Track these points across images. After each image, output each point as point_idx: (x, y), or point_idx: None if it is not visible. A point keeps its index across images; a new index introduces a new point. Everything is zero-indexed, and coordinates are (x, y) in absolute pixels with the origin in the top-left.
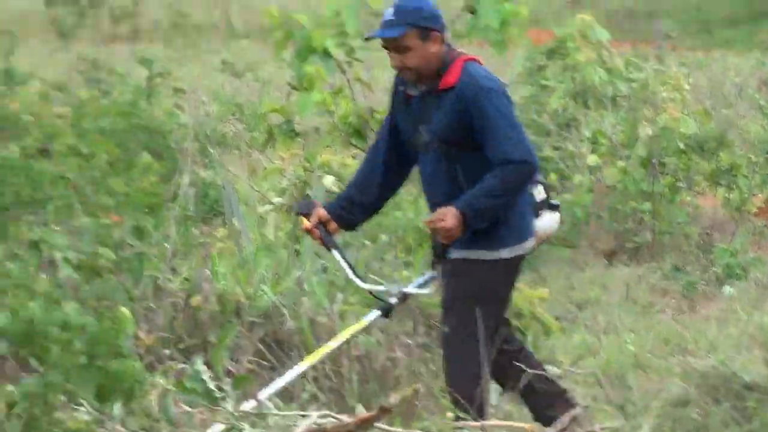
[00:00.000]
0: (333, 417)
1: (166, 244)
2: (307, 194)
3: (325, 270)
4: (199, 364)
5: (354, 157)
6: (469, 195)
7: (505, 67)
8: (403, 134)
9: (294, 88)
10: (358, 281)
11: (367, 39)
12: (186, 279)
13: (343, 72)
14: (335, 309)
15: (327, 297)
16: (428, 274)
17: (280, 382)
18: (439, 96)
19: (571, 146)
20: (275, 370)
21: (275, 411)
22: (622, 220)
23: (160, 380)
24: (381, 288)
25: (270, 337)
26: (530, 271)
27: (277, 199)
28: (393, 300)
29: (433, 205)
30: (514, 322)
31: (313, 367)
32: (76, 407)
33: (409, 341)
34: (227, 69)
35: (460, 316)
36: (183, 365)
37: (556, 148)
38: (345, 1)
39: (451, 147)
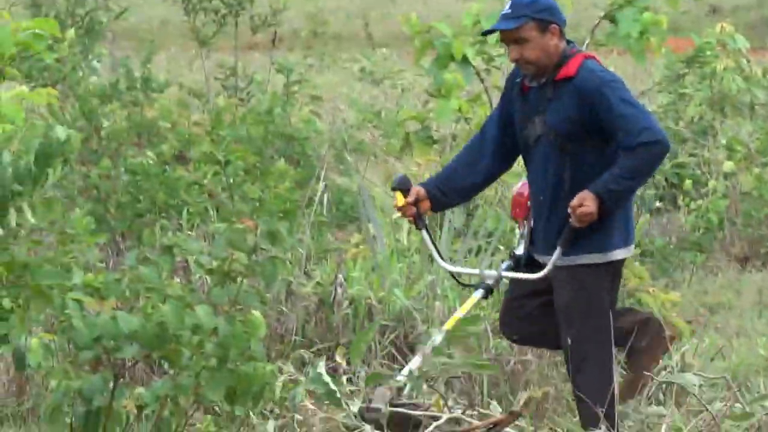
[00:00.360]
0: (464, 419)
1: (300, 249)
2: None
3: (458, 274)
4: (321, 367)
5: None
6: (605, 178)
7: (644, 76)
8: (516, 126)
9: (432, 95)
10: (443, 263)
11: (485, 33)
12: (319, 283)
13: (481, 80)
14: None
15: (459, 301)
16: (510, 260)
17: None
18: (557, 87)
19: (707, 153)
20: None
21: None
22: (757, 226)
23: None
24: (472, 271)
25: (401, 340)
26: (663, 275)
27: None
28: (491, 282)
29: (536, 199)
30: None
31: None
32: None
33: None
34: (365, 77)
35: (580, 329)
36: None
37: (692, 155)
38: (484, 10)
39: (564, 139)
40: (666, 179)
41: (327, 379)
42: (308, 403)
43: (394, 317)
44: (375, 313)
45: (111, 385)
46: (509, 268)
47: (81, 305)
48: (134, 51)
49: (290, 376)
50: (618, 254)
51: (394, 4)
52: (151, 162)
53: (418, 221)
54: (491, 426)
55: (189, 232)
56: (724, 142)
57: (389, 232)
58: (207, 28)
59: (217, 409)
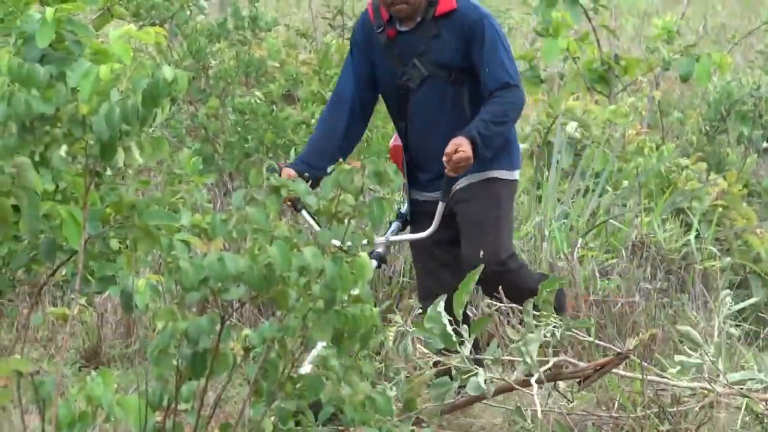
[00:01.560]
0: (570, 362)
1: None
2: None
3: (566, 216)
4: (441, 306)
5: (597, 103)
6: (477, 123)
7: (752, 15)
8: (384, 77)
9: (539, 34)
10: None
11: None
12: None
13: (589, 19)
14: (575, 254)
15: (567, 242)
16: (396, 222)
17: None
18: (437, 23)
19: None
20: (510, 315)
21: (510, 357)
22: None
23: (399, 320)
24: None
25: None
26: None
27: (521, 145)
28: (381, 249)
29: (434, 141)
30: (752, 266)
31: None
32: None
33: (648, 286)
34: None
35: (495, 229)
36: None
37: None
38: None
39: (456, 72)
40: None
41: (444, 320)
42: (418, 350)
43: None
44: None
45: (218, 326)
46: (398, 230)
47: (188, 246)
48: None
49: (399, 326)
50: (517, 174)
51: None
52: (258, 101)
53: (296, 203)
54: (599, 368)
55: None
56: None
57: None
58: None
59: None
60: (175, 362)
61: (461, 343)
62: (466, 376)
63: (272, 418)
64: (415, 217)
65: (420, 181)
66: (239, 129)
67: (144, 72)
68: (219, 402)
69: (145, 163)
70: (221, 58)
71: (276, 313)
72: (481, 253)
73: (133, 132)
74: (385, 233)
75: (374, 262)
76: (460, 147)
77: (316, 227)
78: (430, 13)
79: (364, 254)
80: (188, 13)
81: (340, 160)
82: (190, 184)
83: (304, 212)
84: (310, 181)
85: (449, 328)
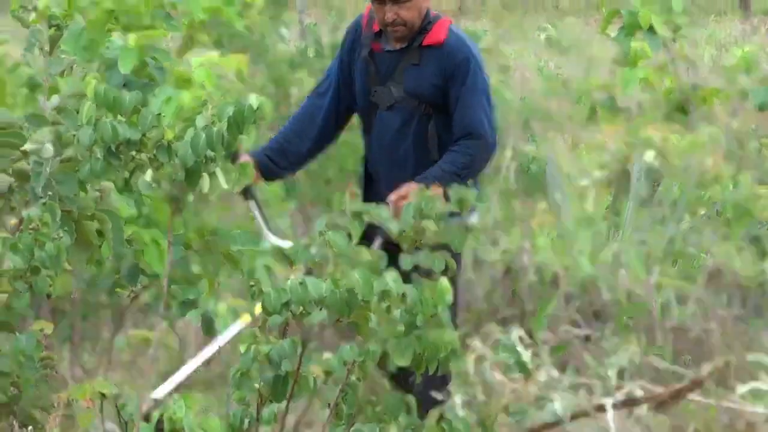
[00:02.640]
0: (646, 388)
1: (488, 217)
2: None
3: (643, 242)
4: (515, 334)
5: (675, 132)
6: (435, 170)
7: None
8: (358, 90)
9: (618, 64)
10: (271, 237)
11: None
12: (505, 251)
13: (668, 49)
14: (652, 281)
15: (644, 269)
16: None
17: None
18: (422, 53)
19: None
20: (589, 341)
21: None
22: None
23: (478, 345)
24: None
25: (586, 308)
26: None
27: (597, 173)
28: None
29: (390, 165)
30: None
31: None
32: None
33: (724, 313)
34: (552, 46)
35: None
36: (499, 335)
37: None
38: None
39: (426, 105)
40: None
41: (520, 348)
42: (496, 374)
43: (578, 285)
44: (560, 281)
45: (299, 350)
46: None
47: (270, 270)
48: (321, 18)
49: (475, 349)
50: (474, 218)
51: None
52: None
53: (246, 192)
54: (674, 394)
55: (380, 203)
56: None
57: (575, 199)
58: None
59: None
60: (256, 385)
61: (537, 367)
62: (541, 401)
63: None
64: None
65: (374, 191)
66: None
67: (229, 99)
68: (299, 425)
69: (228, 189)
70: (302, 86)
71: (356, 337)
72: None
73: (218, 158)
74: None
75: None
76: (408, 197)
77: (261, 220)
78: (418, 41)
79: (444, 279)
80: (269, 40)
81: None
82: (273, 210)
83: (252, 203)
84: (266, 174)
85: (525, 356)
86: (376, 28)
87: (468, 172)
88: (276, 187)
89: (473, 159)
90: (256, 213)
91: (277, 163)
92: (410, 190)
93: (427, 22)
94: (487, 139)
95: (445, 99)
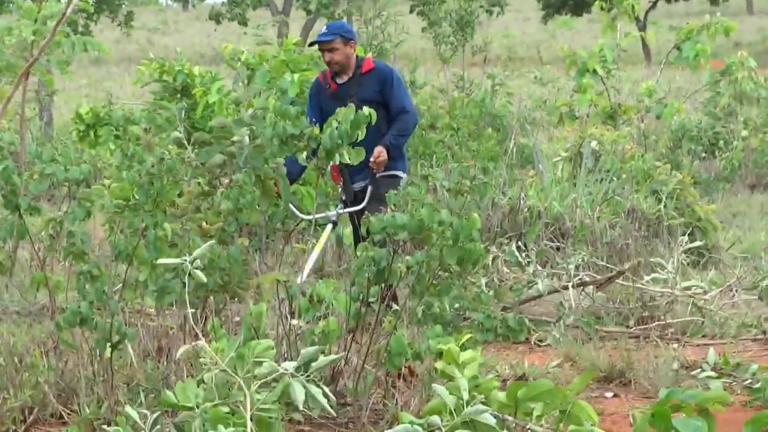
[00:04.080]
0: (592, 275)
1: (500, 179)
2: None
3: (590, 193)
4: (515, 245)
5: (608, 130)
6: (389, 136)
7: (696, 82)
8: (329, 112)
9: (575, 91)
10: (302, 215)
11: (311, 44)
12: (510, 198)
13: (603, 83)
14: (596, 215)
15: (591, 209)
16: (340, 204)
17: None
18: (362, 77)
19: (732, 125)
20: (558, 250)
21: (557, 272)
22: (761, 168)
23: (494, 250)
24: (323, 215)
25: (556, 231)
26: (707, 195)
27: (563, 153)
28: (334, 218)
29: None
30: (696, 223)
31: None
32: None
33: (636, 234)
34: (538, 82)
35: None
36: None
37: (723, 127)
38: (606, 43)
39: (377, 106)
40: (708, 141)
41: (516, 253)
42: (504, 268)
43: (552, 218)
44: (542, 215)
45: (391, 253)
46: (342, 208)
47: None
48: (406, 65)
49: (493, 253)
50: (406, 175)
51: (554, 39)
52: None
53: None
54: (608, 279)
55: (436, 168)
56: (742, 119)
57: (550, 169)
58: (446, 52)
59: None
60: (366, 274)
61: (528, 264)
62: (530, 283)
63: (421, 307)
64: (350, 198)
65: (354, 175)
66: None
67: (351, 110)
68: (392, 298)
69: (351, 163)
70: None
71: (423, 247)
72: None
73: (344, 144)
74: (337, 209)
75: (331, 226)
76: (381, 153)
77: (295, 210)
78: (358, 71)
79: (475, 214)
80: None
81: None
82: None
83: (291, 206)
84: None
85: (521, 258)
86: (329, 75)
87: (407, 132)
88: None
89: (408, 124)
90: (293, 209)
91: (290, 173)
92: (381, 150)
93: (359, 61)
94: (414, 112)
95: (384, 98)
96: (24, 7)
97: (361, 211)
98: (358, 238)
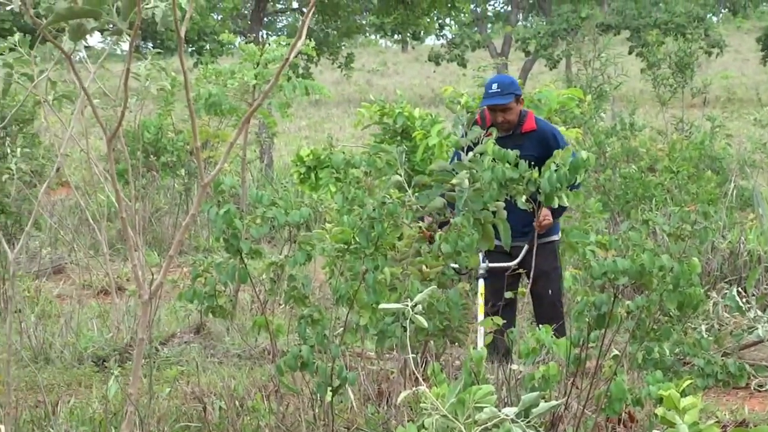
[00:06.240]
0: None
1: (719, 222)
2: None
3: None
4: (735, 290)
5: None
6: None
7: None
8: None
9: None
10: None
11: (487, 105)
12: (729, 242)
13: None
14: None
15: None
16: (486, 260)
17: None
18: (524, 137)
19: None
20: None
21: None
22: None
23: (714, 295)
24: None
25: None
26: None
27: None
28: (483, 272)
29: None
30: None
31: None
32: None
33: None
34: (758, 123)
35: (556, 277)
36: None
37: None
38: None
39: (532, 167)
40: None
41: (737, 298)
42: (724, 313)
43: None
44: (762, 259)
45: (612, 299)
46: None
47: (594, 253)
48: (625, 107)
49: (712, 299)
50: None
51: None
52: (634, 170)
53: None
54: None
55: (656, 212)
56: None
57: None
58: (665, 94)
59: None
60: (587, 320)
61: (748, 309)
62: (750, 329)
63: (641, 352)
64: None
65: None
66: (623, 187)
67: (568, 153)
68: (611, 344)
69: (571, 206)
70: (613, 146)
71: (643, 292)
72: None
73: (563, 187)
74: (487, 263)
75: (482, 281)
76: (547, 216)
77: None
78: (519, 129)
79: (695, 259)
80: (594, 120)
81: None
82: (594, 218)
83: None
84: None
85: (741, 303)
86: (488, 122)
87: (564, 209)
88: (596, 204)
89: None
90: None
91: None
92: (547, 214)
93: (522, 117)
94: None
95: (543, 161)
96: (247, 51)
97: (508, 270)
98: (495, 291)
